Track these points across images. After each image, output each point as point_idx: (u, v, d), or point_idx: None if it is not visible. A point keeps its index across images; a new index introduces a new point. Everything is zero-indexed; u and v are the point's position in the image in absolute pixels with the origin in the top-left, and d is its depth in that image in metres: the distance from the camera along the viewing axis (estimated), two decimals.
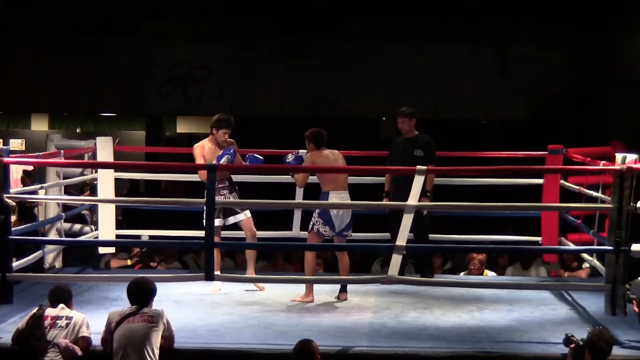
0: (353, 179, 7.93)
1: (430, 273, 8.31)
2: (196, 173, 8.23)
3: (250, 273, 7.70)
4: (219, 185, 7.62)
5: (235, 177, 7.92)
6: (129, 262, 9.54)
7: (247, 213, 7.72)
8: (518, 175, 8.99)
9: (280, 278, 7.90)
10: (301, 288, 7.65)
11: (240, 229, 7.84)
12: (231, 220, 7.71)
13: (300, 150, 7.74)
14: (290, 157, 7.58)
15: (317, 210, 7.40)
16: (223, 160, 7.52)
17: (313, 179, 7.63)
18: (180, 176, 9.67)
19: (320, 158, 7.47)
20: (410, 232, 7.26)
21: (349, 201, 7.41)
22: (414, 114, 8.23)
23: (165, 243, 9.19)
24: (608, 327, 6.16)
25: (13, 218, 9.22)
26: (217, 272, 6.98)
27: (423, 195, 7.78)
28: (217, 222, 7.60)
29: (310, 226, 7.45)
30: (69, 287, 6.11)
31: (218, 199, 7.55)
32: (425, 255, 8.44)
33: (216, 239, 7.58)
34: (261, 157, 7.78)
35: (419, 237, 7.94)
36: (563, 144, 8.79)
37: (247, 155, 7.79)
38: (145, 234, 8.88)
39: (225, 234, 8.01)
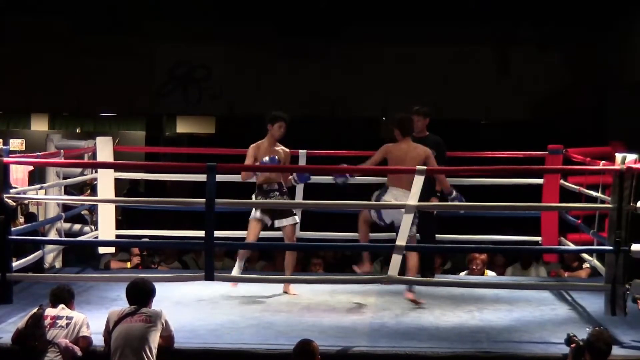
0: (355, 179, 7.91)
1: (431, 273, 8.30)
2: (198, 173, 8.22)
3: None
4: (268, 188, 7.63)
5: None
6: (128, 264, 9.53)
7: (296, 218, 7.67)
8: (518, 175, 8.99)
9: (280, 278, 7.90)
10: (302, 288, 7.66)
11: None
12: (284, 222, 7.65)
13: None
14: (339, 180, 7.47)
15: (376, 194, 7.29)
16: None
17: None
18: (180, 176, 9.68)
19: (397, 150, 7.32)
20: (417, 232, 7.29)
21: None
22: (429, 114, 8.16)
23: (166, 243, 9.19)
24: (608, 327, 6.17)
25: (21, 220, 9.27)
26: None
27: (433, 195, 7.77)
28: (258, 214, 7.57)
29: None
30: (70, 288, 6.11)
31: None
32: (426, 255, 8.42)
33: (253, 228, 7.55)
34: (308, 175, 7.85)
35: (425, 237, 7.92)
36: (563, 144, 8.79)
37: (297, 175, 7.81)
38: (144, 234, 8.87)
39: (226, 234, 8.00)
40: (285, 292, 7.68)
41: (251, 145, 7.76)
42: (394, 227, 7.25)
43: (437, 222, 8.22)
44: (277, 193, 7.66)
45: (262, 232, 7.82)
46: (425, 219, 7.76)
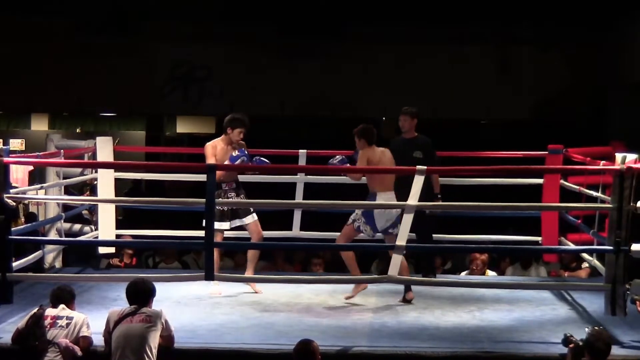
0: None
1: (432, 273, 8.28)
2: (198, 173, 8.21)
3: (249, 275, 7.69)
4: (226, 187, 7.60)
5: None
6: (116, 260, 9.57)
7: (254, 216, 7.65)
8: (518, 175, 8.99)
9: (280, 278, 7.90)
10: (302, 289, 7.66)
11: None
12: (237, 222, 7.63)
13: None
14: (335, 160, 7.48)
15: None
16: (238, 162, 7.50)
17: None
18: (181, 176, 9.67)
19: (373, 154, 7.35)
20: (412, 232, 7.27)
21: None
22: (417, 114, 8.16)
23: (166, 243, 9.19)
24: (608, 327, 6.18)
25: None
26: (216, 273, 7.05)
27: (432, 197, 7.76)
28: (224, 225, 7.59)
29: (350, 220, 7.31)
30: (71, 288, 6.11)
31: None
32: (427, 255, 8.41)
33: (218, 239, 7.58)
34: (267, 161, 7.74)
35: (421, 237, 7.91)
36: (563, 144, 8.79)
37: (254, 159, 7.74)
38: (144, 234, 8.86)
39: (228, 234, 7.99)
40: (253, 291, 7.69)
41: (208, 144, 7.65)
42: (386, 232, 7.27)
43: (433, 221, 8.16)
44: (234, 194, 7.63)
45: (264, 233, 7.82)
46: (419, 219, 7.76)
